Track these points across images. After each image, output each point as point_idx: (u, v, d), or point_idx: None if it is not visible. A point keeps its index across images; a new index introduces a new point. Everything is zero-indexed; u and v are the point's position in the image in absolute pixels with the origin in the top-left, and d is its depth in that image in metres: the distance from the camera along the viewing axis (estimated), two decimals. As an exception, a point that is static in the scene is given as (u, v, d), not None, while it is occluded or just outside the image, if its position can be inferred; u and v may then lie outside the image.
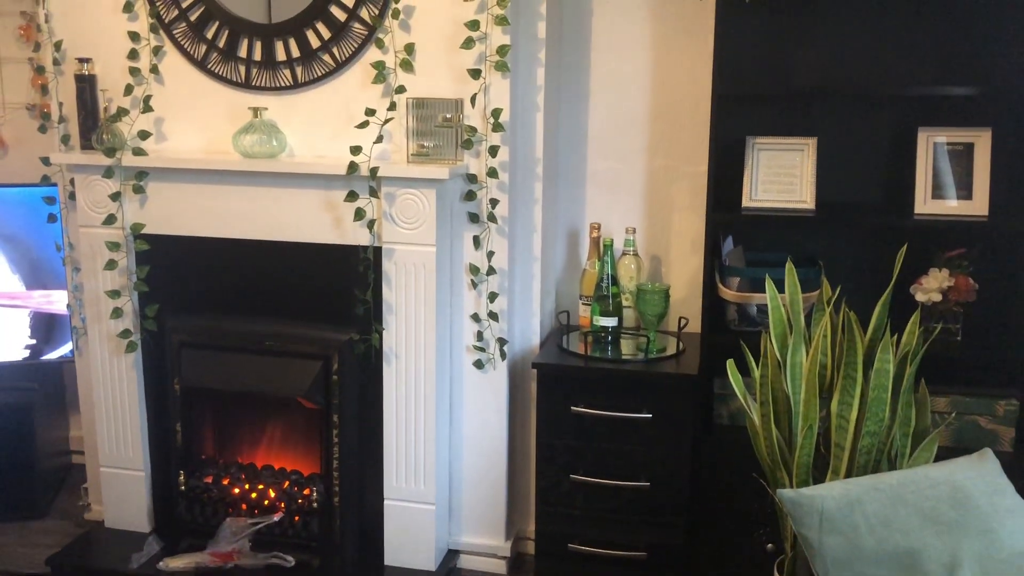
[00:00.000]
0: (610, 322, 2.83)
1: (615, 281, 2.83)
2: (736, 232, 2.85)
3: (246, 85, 2.77)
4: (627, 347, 2.83)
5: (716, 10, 2.56)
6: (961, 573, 1.66)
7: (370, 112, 2.61)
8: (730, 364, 2.39)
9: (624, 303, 2.88)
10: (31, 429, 3.24)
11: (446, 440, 2.83)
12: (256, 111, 2.71)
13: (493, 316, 2.75)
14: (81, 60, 2.78)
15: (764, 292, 2.38)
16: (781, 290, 2.38)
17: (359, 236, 2.66)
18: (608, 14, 2.91)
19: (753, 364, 2.38)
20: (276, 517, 2.84)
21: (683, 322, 2.84)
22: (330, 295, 2.76)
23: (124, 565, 2.79)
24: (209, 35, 2.75)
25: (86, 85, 2.80)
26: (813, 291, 2.47)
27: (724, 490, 2.68)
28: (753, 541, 2.64)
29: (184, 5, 2.74)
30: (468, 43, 2.56)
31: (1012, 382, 2.57)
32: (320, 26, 2.67)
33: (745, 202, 2.70)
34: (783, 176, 2.69)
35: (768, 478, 2.36)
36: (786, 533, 2.38)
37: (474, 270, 2.73)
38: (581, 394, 2.66)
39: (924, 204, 2.60)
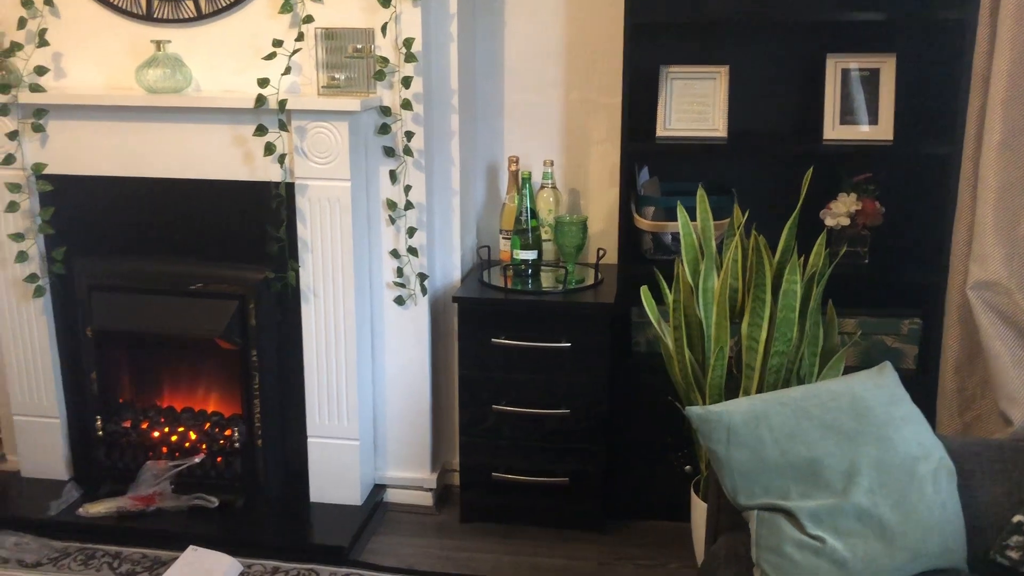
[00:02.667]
0: (530, 255, 2.84)
1: (534, 214, 2.84)
2: (651, 162, 2.87)
3: (148, 17, 2.66)
4: (546, 279, 2.85)
5: (628, -64, 2.54)
6: (859, 478, 1.72)
7: (277, 43, 2.54)
8: (644, 291, 2.43)
9: (543, 236, 2.89)
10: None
11: (368, 376, 2.83)
12: (159, 44, 2.61)
13: (412, 251, 2.73)
14: (-31, -8, 2.64)
15: (677, 220, 2.41)
16: (694, 218, 2.41)
17: (271, 172, 2.61)
18: (521, -58, 2.87)
19: (667, 290, 2.42)
20: (197, 459, 2.82)
21: (601, 253, 2.86)
22: (244, 233, 2.71)
23: (42, 513, 2.74)
24: (105, -36, 2.63)
25: (-24, 18, 2.66)
26: (725, 218, 2.51)
27: (643, 415, 2.74)
28: (671, 463, 2.71)
29: (77, -68, 2.61)
30: (377, -30, 2.50)
31: (916, 302, 2.66)
32: (222, -46, 2.58)
33: (659, 132, 2.72)
34: (696, 105, 2.71)
35: (683, 401, 2.42)
36: (702, 454, 2.45)
37: (391, 205, 2.71)
38: (502, 327, 2.68)
39: (832, 130, 2.64)
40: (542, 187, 2.91)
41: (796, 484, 1.76)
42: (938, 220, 2.51)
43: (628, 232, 2.73)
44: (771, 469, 1.77)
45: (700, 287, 2.34)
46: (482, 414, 2.74)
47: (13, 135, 2.66)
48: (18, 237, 2.74)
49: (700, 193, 2.40)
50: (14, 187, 2.70)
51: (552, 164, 2.91)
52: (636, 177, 2.80)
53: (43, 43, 2.66)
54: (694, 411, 1.85)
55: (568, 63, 2.94)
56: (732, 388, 2.35)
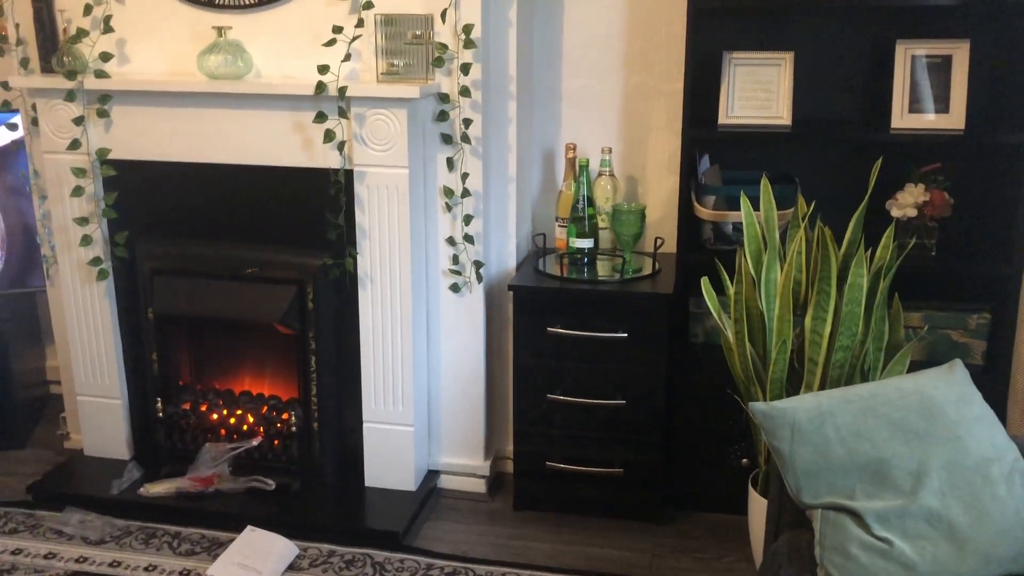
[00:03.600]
0: (586, 243, 2.82)
1: (591, 202, 2.81)
2: (712, 150, 2.82)
3: (209, 3, 2.68)
4: (603, 268, 2.82)
5: (692, -81, 2.49)
6: (928, 480, 1.68)
7: (337, 30, 2.54)
8: (704, 282, 2.39)
9: (600, 224, 2.86)
10: (6, 361, 3.22)
11: (424, 363, 2.84)
12: (220, 31, 2.63)
13: (468, 239, 2.73)
14: (37, -21, 2.68)
15: (739, 210, 2.36)
16: (757, 208, 2.36)
17: (329, 159, 2.62)
18: (582, -75, 2.83)
19: (728, 282, 2.38)
20: (255, 442, 2.85)
21: (659, 242, 2.83)
22: (302, 219, 2.72)
23: (105, 492, 2.80)
24: (169, -49, 2.65)
25: (43, 5, 2.70)
26: (789, 208, 2.46)
27: (700, 407, 2.71)
28: (728, 457, 2.68)
29: (141, -81, 2.63)
30: (437, -44, 2.48)
31: (984, 296, 2.59)
32: (284, -60, 2.58)
33: (721, 119, 2.67)
34: (760, 92, 2.65)
35: (743, 395, 2.39)
36: (760, 448, 2.42)
37: (448, 192, 2.70)
38: (557, 315, 2.66)
39: (901, 118, 2.57)
40: (600, 174, 2.88)
41: (862, 484, 1.72)
42: (1010, 212, 2.43)
43: (687, 221, 2.69)
44: (837, 468, 1.74)
45: (763, 279, 2.30)
46: (536, 403, 2.73)
47: (79, 120, 2.71)
48: (82, 221, 2.79)
49: (764, 182, 2.36)
50: (79, 171, 2.75)
51: (610, 151, 2.88)
52: (697, 165, 2.75)
53: (108, 30, 2.69)
54: (758, 407, 1.82)
55: (628, 49, 2.89)
56: (794, 382, 2.31)
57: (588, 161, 2.80)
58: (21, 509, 2.81)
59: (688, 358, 2.73)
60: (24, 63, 2.81)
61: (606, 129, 2.95)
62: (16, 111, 2.91)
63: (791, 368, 2.30)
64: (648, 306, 2.62)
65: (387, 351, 2.74)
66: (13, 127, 2.87)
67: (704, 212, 2.66)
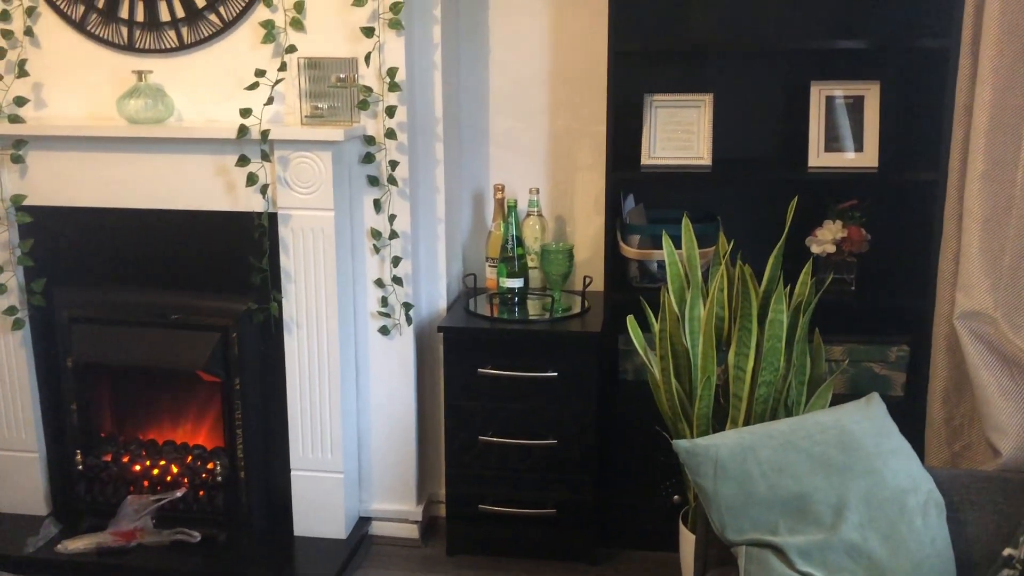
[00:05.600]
0: (516, 283, 2.82)
1: (520, 242, 2.82)
2: (636, 190, 2.87)
3: (129, 48, 2.65)
4: (533, 307, 2.83)
5: (611, -34, 2.54)
6: (847, 513, 1.70)
7: (260, 73, 2.53)
8: (630, 320, 2.41)
9: (530, 264, 2.87)
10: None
11: (353, 408, 2.80)
12: (141, 75, 2.60)
13: (397, 281, 2.71)
14: (-52, 22, 2.63)
15: (663, 249, 2.39)
16: (679, 246, 2.40)
17: (253, 202, 2.59)
18: (505, -29, 2.88)
19: (653, 319, 2.40)
20: (179, 493, 2.77)
21: (587, 281, 2.85)
22: (226, 264, 2.68)
23: (20, 550, 2.69)
24: (87, -6, 2.62)
25: (-45, 49, 2.64)
26: (711, 246, 2.50)
27: (631, 445, 2.72)
28: (660, 494, 2.68)
29: (58, -37, 2.60)
30: (360, 1, 2.49)
31: (904, 329, 2.65)
32: (205, -16, 2.57)
33: (644, 160, 2.71)
34: (681, 133, 2.70)
35: (671, 430, 2.40)
36: (690, 484, 2.42)
37: (376, 234, 2.69)
38: (488, 356, 2.65)
39: (817, 157, 2.64)
40: (528, 215, 2.90)
41: (785, 519, 1.74)
42: (924, 247, 2.51)
43: (614, 260, 2.71)
44: (759, 504, 1.75)
45: (686, 316, 2.32)
46: (468, 444, 2.70)
47: (-8, 166, 2.64)
48: (-3, 269, 2.71)
49: (685, 222, 2.39)
50: (-7, 218, 2.67)
51: (538, 192, 2.90)
52: (622, 205, 2.79)
53: (23, 74, 2.64)
54: (681, 444, 1.83)
55: (553, 91, 2.93)
56: (719, 418, 2.33)
57: (516, 202, 2.82)
58: (-71, 571, 2.68)
59: (618, 395, 2.74)
60: (-64, 108, 2.74)
61: (534, 170, 2.98)
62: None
63: (716, 404, 2.32)
64: (578, 344, 2.63)
65: (315, 396, 2.69)
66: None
67: (629, 251, 2.69)
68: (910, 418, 2.34)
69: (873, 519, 1.69)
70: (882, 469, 1.75)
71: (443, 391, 2.73)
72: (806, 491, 1.74)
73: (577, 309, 2.78)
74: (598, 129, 2.86)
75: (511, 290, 2.82)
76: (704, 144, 2.68)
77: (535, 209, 2.90)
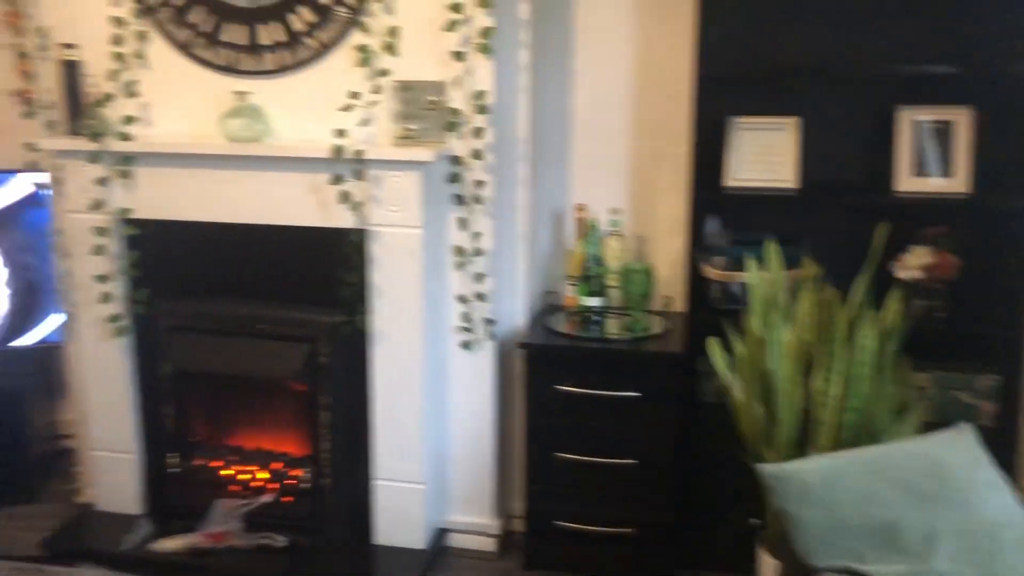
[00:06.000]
0: (596, 302, 2.86)
1: (600, 261, 2.85)
2: (720, 211, 2.87)
3: (231, 69, 2.77)
4: (613, 326, 2.85)
5: (698, -9, 2.57)
6: (939, 544, 1.69)
7: (354, 95, 2.62)
8: (711, 343, 2.42)
9: (610, 283, 2.90)
10: (23, 414, 3.25)
11: (435, 420, 2.86)
12: (241, 95, 2.71)
13: (480, 297, 2.77)
14: (66, 46, 2.78)
15: (746, 270, 2.40)
16: (764, 268, 2.40)
17: (345, 219, 2.67)
18: (591, -3, 2.93)
19: (735, 342, 2.40)
20: (266, 499, 2.87)
21: (668, 301, 2.86)
22: (317, 277, 2.77)
23: (116, 547, 2.81)
24: (193, 20, 2.74)
25: (71, 71, 2.79)
26: (795, 270, 2.50)
27: (711, 467, 2.71)
28: (738, 517, 2.67)
29: (167, -11, 2.74)
30: (451, 25, 2.57)
31: (994, 357, 2.60)
32: (303, 10, 2.67)
33: (728, 182, 2.72)
34: (766, 155, 2.71)
35: (752, 454, 2.40)
36: (770, 508, 2.41)
37: (460, 251, 2.75)
38: (567, 373, 2.69)
39: (905, 182, 2.62)
40: (609, 234, 2.93)
41: (873, 548, 1.73)
42: (1017, 275, 2.46)
43: (696, 281, 2.72)
44: (847, 531, 1.75)
45: (770, 340, 2.32)
46: (547, 461, 2.74)
47: (102, 181, 2.78)
48: (103, 279, 2.84)
49: (769, 244, 2.39)
50: (101, 231, 2.81)
51: (619, 211, 2.93)
52: (704, 226, 2.80)
53: (132, 94, 2.78)
54: (767, 469, 1.83)
55: (636, 112, 2.97)
56: (803, 444, 2.32)
57: (597, 221, 2.86)
58: (34, 564, 2.82)
59: (698, 417, 2.74)
60: (51, 126, 2.90)
61: (615, 190, 3.01)
62: (42, 170, 2.99)
63: (800, 429, 2.31)
64: (658, 365, 2.64)
65: (398, 408, 2.76)
66: (40, 186, 2.96)
67: (712, 272, 2.70)
68: (1001, 449, 2.29)
69: (967, 552, 1.67)
70: (975, 501, 1.74)
71: (522, 406, 2.77)
72: (895, 520, 1.73)
73: (657, 329, 2.79)
74: (680, 150, 2.88)
75: (591, 308, 2.85)
76: (790, 167, 2.68)
77: (616, 228, 2.93)
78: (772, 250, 2.40)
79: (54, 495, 3.27)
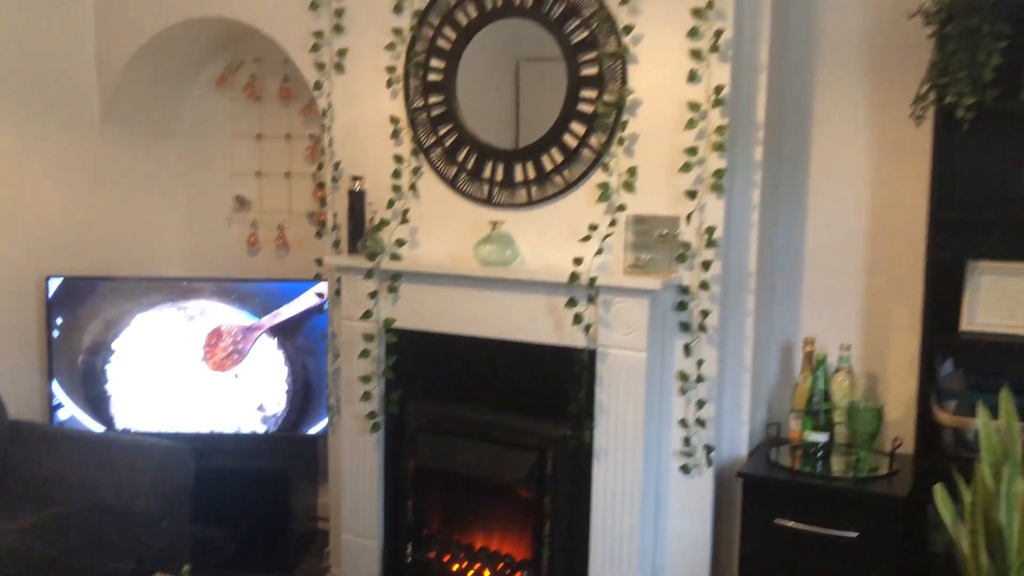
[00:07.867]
0: (821, 437, 2.84)
1: (827, 397, 2.85)
2: (955, 355, 2.79)
3: (487, 202, 3.13)
4: (837, 464, 2.82)
5: (933, 136, 2.61)
6: None
7: (593, 227, 2.87)
8: (938, 489, 2.34)
9: (836, 419, 2.88)
10: (287, 495, 3.68)
11: (650, 538, 2.93)
12: (495, 224, 3.05)
13: (700, 422, 2.86)
14: (354, 178, 3.28)
15: (979, 418, 2.33)
16: (997, 416, 2.31)
17: (576, 339, 2.89)
18: (827, 141, 3.03)
19: (964, 490, 2.31)
20: (488, 596, 3.05)
21: (897, 442, 2.80)
22: (549, 392, 2.99)
23: (353, 623, 3.10)
24: (459, 159, 3.15)
25: (357, 199, 3.28)
26: (1035, 420, 2.38)
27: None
28: None
29: (440, 133, 3.17)
30: (686, 167, 2.77)
31: None
32: (554, 151, 2.99)
33: (964, 326, 2.66)
34: (1007, 300, 2.63)
35: (980, 612, 2.27)
36: (1001, 675, 2.25)
37: (683, 377, 2.87)
38: (786, 507, 2.68)
39: None
40: (837, 370, 2.93)
41: None
42: None
43: (927, 424, 2.66)
44: None
45: (1002, 492, 2.22)
46: (761, 594, 2.72)
47: (373, 294, 3.21)
48: (366, 379, 3.24)
49: (1004, 392, 2.31)
50: (368, 337, 3.22)
51: (849, 348, 2.93)
52: (938, 369, 2.73)
53: (405, 220, 3.22)
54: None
55: (870, 249, 2.99)
56: (1036, 606, 2.17)
57: (826, 356, 2.87)
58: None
59: (924, 567, 2.62)
60: (336, 244, 3.40)
61: (846, 326, 3.02)
62: (325, 281, 3.50)
63: (1034, 590, 2.17)
64: (881, 507, 2.58)
65: (616, 522, 2.87)
66: (319, 296, 3.47)
67: (944, 417, 2.62)
68: None
69: None
70: None
71: (738, 536, 2.79)
72: None
73: (884, 470, 2.73)
74: (916, 290, 2.84)
75: (815, 444, 2.84)
76: (1032, 313, 2.58)
77: (845, 365, 2.92)
78: (1006, 399, 2.31)
79: (308, 569, 3.65)
